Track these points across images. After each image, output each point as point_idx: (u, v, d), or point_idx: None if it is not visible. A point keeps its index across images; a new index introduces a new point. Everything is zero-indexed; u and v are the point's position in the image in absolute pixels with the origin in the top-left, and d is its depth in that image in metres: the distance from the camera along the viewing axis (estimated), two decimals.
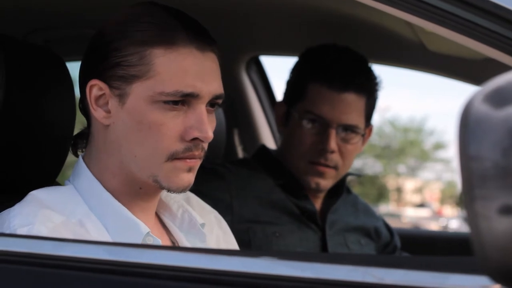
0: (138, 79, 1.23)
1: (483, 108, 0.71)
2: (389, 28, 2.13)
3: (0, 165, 1.35)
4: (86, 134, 1.34)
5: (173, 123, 1.23)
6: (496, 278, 0.74)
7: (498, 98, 0.71)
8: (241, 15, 2.23)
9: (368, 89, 1.97)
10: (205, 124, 1.24)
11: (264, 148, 2.15)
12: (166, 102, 1.23)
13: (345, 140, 1.94)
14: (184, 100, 1.24)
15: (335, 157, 1.92)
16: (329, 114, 1.91)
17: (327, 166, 1.93)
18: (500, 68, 1.04)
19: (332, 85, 1.92)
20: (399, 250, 2.22)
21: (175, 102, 1.23)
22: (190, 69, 1.24)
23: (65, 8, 2.11)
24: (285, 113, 2.03)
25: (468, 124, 0.71)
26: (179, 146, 1.24)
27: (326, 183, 1.96)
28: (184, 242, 1.37)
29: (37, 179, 1.38)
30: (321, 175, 1.94)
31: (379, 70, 2.08)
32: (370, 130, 2.05)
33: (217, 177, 1.95)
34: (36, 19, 2.20)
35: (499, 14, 1.00)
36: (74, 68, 1.53)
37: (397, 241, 2.21)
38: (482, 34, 1.01)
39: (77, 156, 1.36)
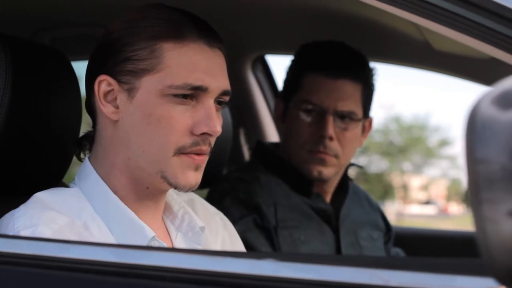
0: (148, 73, 1.24)
1: (490, 111, 0.70)
2: (394, 27, 2.13)
3: (6, 166, 1.35)
4: (91, 137, 1.34)
5: (182, 117, 1.24)
6: (502, 281, 0.74)
7: (505, 101, 0.70)
8: (246, 14, 2.23)
9: (364, 77, 1.98)
10: (214, 119, 1.25)
11: (263, 147, 2.12)
12: (175, 95, 1.24)
13: (343, 128, 1.93)
14: (193, 94, 1.25)
15: (334, 145, 1.92)
16: (325, 102, 1.92)
17: (327, 153, 1.93)
18: (506, 67, 1.03)
19: (328, 73, 1.93)
20: (393, 238, 2.22)
21: (184, 96, 1.24)
22: (199, 63, 1.25)
23: (69, 8, 2.11)
24: (283, 110, 2.03)
25: (475, 126, 0.71)
26: (187, 140, 1.25)
27: (328, 171, 1.95)
28: (177, 242, 1.36)
29: (43, 180, 1.38)
30: (322, 162, 1.94)
31: (384, 68, 2.09)
32: (370, 123, 2.05)
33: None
34: (40, 19, 2.20)
35: (502, 14, 0.99)
36: (78, 68, 1.53)
37: (392, 231, 2.21)
38: (485, 34, 1.01)
39: (80, 160, 1.36)
